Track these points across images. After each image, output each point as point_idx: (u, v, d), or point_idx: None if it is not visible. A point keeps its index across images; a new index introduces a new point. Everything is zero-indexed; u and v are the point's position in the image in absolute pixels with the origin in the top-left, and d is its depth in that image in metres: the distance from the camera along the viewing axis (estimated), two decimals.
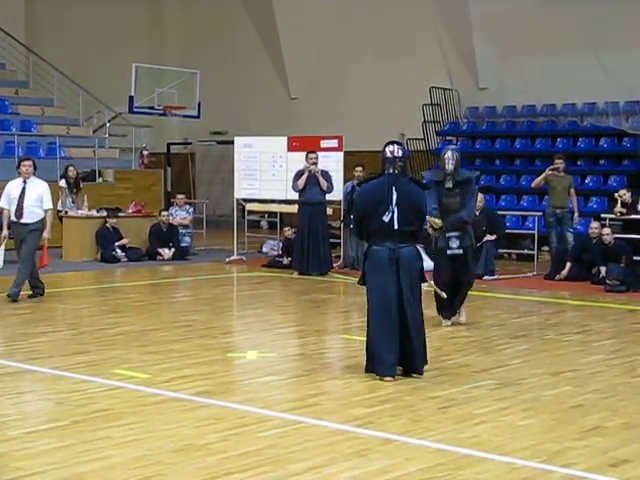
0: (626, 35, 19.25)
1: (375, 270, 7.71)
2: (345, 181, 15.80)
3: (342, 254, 15.91)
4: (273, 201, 17.23)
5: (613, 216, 15.12)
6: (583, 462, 5.57)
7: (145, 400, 6.93)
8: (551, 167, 15.38)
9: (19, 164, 11.94)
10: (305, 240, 14.78)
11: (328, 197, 15.22)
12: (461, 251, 9.96)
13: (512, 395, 7.19)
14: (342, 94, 23.90)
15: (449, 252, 9.93)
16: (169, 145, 26.46)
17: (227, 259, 16.77)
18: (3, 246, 12.10)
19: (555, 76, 20.14)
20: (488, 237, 14.67)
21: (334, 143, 16.00)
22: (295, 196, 15.20)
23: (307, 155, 15.01)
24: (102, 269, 15.63)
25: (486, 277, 14.18)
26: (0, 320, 10.53)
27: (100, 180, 20.23)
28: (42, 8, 24.78)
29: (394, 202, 7.63)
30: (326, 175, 14.96)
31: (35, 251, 11.84)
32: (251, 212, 19.74)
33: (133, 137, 21.97)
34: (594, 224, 14.26)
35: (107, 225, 16.68)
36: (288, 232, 16.20)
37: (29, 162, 11.85)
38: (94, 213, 17.06)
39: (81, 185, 17.77)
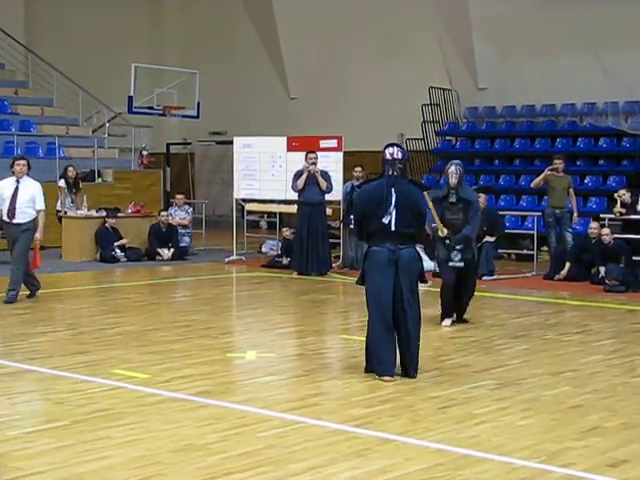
0: (626, 35, 19.26)
1: (374, 271, 7.73)
2: (344, 181, 15.81)
3: (341, 254, 15.92)
4: (272, 201, 17.24)
5: (612, 216, 15.13)
6: (582, 462, 5.57)
7: (145, 400, 6.93)
8: (550, 167, 15.39)
9: (13, 163, 11.78)
10: (304, 240, 14.78)
11: (327, 197, 15.22)
12: (462, 264, 10.05)
13: (512, 395, 7.19)
14: (342, 94, 23.91)
15: (451, 264, 10.08)
16: (168, 145, 26.46)
17: (226, 259, 16.77)
18: None
19: (555, 76, 20.14)
20: (488, 238, 14.67)
21: (333, 143, 16.01)
22: (294, 196, 15.20)
23: (306, 155, 15.02)
24: (101, 269, 15.63)
25: (485, 277, 14.18)
26: None
27: (99, 180, 20.24)
28: (41, 8, 24.79)
29: (393, 204, 7.66)
30: (325, 175, 14.96)
31: (28, 251, 11.73)
32: (250, 212, 19.75)
33: (132, 137, 21.98)
34: (593, 224, 14.26)
35: (106, 225, 16.67)
36: (286, 232, 16.21)
37: (23, 161, 11.75)
38: (93, 213, 17.06)
39: (80, 185, 17.77)
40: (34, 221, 11.62)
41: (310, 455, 5.64)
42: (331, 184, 15.00)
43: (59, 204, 17.24)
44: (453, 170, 10.09)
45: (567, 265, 14.32)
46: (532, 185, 16.10)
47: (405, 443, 5.91)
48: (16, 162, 11.72)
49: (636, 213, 14.90)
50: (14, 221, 11.52)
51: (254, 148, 16.66)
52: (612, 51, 19.40)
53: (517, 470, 5.44)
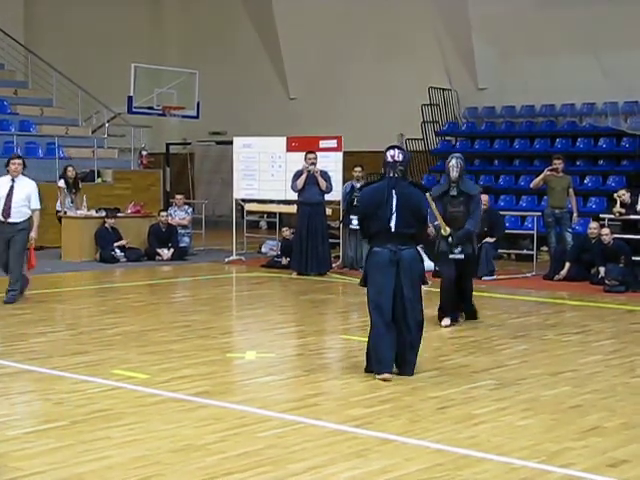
0: (626, 35, 19.25)
1: (376, 271, 7.79)
2: (344, 181, 15.81)
3: (341, 254, 15.92)
4: (272, 201, 17.25)
5: (612, 216, 15.13)
6: (582, 462, 5.57)
7: (144, 400, 6.93)
8: (550, 167, 15.38)
9: (8, 162, 11.69)
10: (304, 240, 14.78)
11: (327, 197, 15.23)
12: (462, 256, 10.06)
13: (511, 395, 7.19)
14: (341, 94, 23.91)
15: (451, 256, 10.08)
16: (168, 145, 26.45)
17: (226, 259, 16.77)
18: None
19: (554, 76, 20.14)
20: (488, 239, 14.67)
21: (333, 143, 16.01)
22: (294, 196, 15.20)
23: (306, 155, 15.01)
24: (101, 269, 15.63)
25: (485, 277, 14.18)
26: None
27: (99, 180, 20.24)
28: (41, 8, 24.78)
29: (394, 205, 7.72)
30: (325, 175, 14.96)
31: (25, 251, 11.69)
32: (250, 212, 19.74)
33: (132, 137, 21.98)
34: (593, 224, 14.26)
35: (106, 225, 16.66)
36: (286, 232, 16.20)
37: (19, 160, 11.70)
38: (93, 213, 17.05)
39: (80, 185, 17.76)
40: (29, 220, 11.59)
41: (310, 455, 5.64)
42: (331, 184, 15.00)
43: (59, 204, 17.24)
44: (454, 163, 10.13)
45: (567, 265, 14.32)
46: (532, 185, 16.10)
47: (405, 443, 5.91)
48: (11, 161, 11.63)
49: (636, 213, 14.90)
50: (9, 220, 11.45)
51: (254, 148, 16.67)
52: (612, 51, 19.40)
53: (517, 470, 5.44)
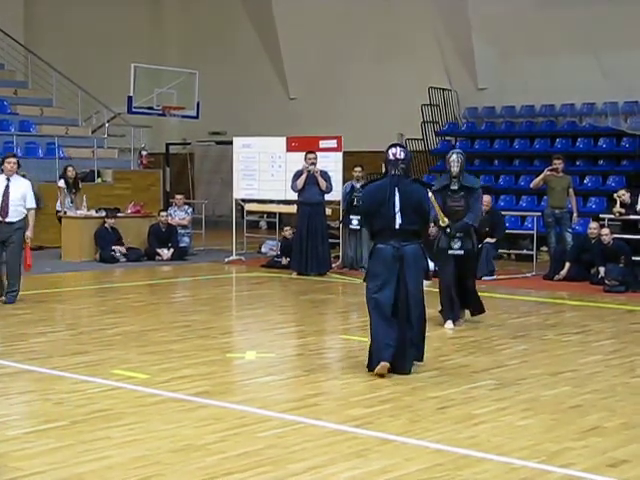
0: (626, 35, 19.25)
1: (379, 267, 7.87)
2: (344, 181, 15.81)
3: (341, 254, 15.91)
4: (272, 201, 17.25)
5: (612, 216, 15.13)
6: (582, 462, 5.57)
7: (144, 400, 6.93)
8: (550, 167, 15.38)
9: (3, 161, 11.63)
10: (304, 240, 14.78)
11: (327, 197, 15.23)
12: (462, 252, 10.06)
13: (511, 395, 7.19)
14: (341, 94, 23.91)
15: (450, 252, 10.07)
16: (168, 145, 26.45)
17: (226, 259, 16.77)
18: None
19: (554, 76, 20.14)
20: (488, 240, 14.68)
21: (333, 143, 16.00)
22: (294, 196, 15.20)
23: (306, 155, 15.01)
24: (101, 269, 15.62)
25: (485, 277, 14.18)
26: None
27: (99, 180, 20.24)
28: (41, 8, 24.78)
29: (397, 203, 7.78)
30: (325, 175, 14.96)
31: (22, 250, 11.69)
32: (250, 212, 19.75)
33: (132, 137, 21.99)
34: (593, 224, 14.26)
35: (106, 225, 16.66)
36: (287, 232, 16.17)
37: (14, 159, 11.65)
38: (93, 213, 17.05)
39: (80, 185, 17.75)
40: (25, 220, 11.55)
41: (310, 455, 5.64)
42: (331, 184, 15.00)
43: (59, 204, 17.24)
44: (455, 159, 10.14)
45: (567, 265, 14.32)
46: (532, 185, 16.10)
47: (404, 443, 5.91)
48: (6, 160, 11.58)
49: (635, 213, 14.91)
50: (7, 220, 11.40)
51: (254, 148, 16.67)
52: (612, 51, 19.40)
53: (517, 470, 5.44)
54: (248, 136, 17.73)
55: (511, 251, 17.68)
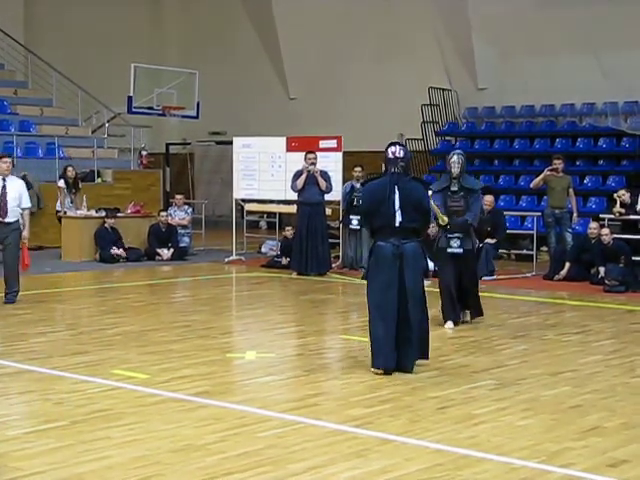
0: (626, 35, 19.25)
1: (379, 265, 7.92)
2: (344, 181, 15.81)
3: (341, 254, 15.92)
4: (272, 201, 17.25)
5: (612, 216, 15.13)
6: (582, 462, 5.57)
7: (144, 400, 6.93)
8: (550, 167, 15.38)
9: None
10: (304, 240, 14.78)
11: (327, 197, 15.23)
12: (461, 250, 10.07)
13: (511, 395, 7.19)
14: (341, 94, 23.91)
15: (449, 250, 10.08)
16: (168, 145, 26.46)
17: (226, 259, 16.77)
18: None
19: (554, 76, 20.14)
20: (489, 240, 14.68)
21: (333, 143, 16.01)
22: (294, 196, 15.20)
23: (306, 155, 15.01)
24: (101, 269, 15.62)
25: (485, 277, 14.17)
26: None
27: (99, 180, 20.24)
28: (41, 8, 24.78)
29: (397, 201, 7.82)
30: (325, 175, 14.96)
31: (19, 250, 11.66)
32: (250, 212, 19.75)
33: (132, 137, 21.99)
34: (593, 224, 14.26)
35: (106, 225, 16.65)
36: (289, 232, 16.15)
37: (9, 159, 11.59)
38: (93, 213, 17.04)
39: (80, 185, 17.75)
40: (20, 220, 11.55)
41: (310, 455, 5.64)
42: (331, 184, 15.00)
43: (59, 204, 17.23)
44: (455, 160, 10.15)
45: (567, 265, 14.32)
46: (532, 185, 16.10)
47: (404, 443, 5.91)
48: (1, 160, 11.53)
49: (635, 213, 14.90)
50: (6, 220, 11.38)
51: (253, 148, 16.67)
52: (612, 51, 19.40)
53: (517, 470, 5.44)
54: (248, 136, 17.73)
55: (511, 251, 17.67)
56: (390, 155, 8.03)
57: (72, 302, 12.29)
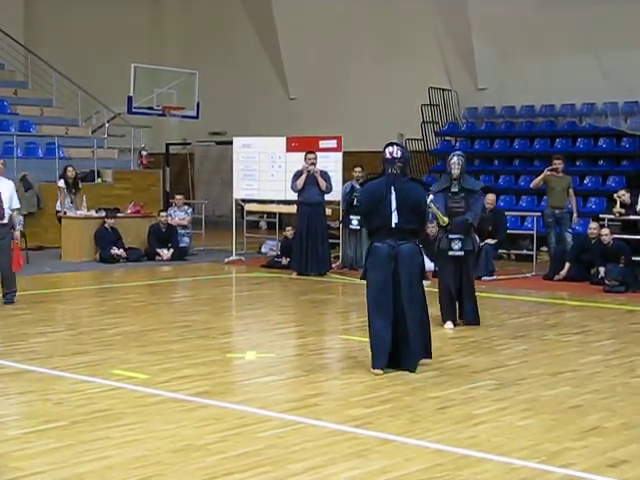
0: (626, 35, 19.25)
1: (375, 266, 7.93)
2: (344, 181, 15.81)
3: (341, 254, 15.92)
4: (272, 201, 17.25)
5: (612, 216, 15.13)
6: (582, 462, 5.57)
7: (144, 400, 6.93)
8: (550, 167, 15.37)
9: None
10: (304, 240, 14.78)
11: (327, 197, 15.23)
12: (462, 253, 10.07)
13: (511, 395, 7.19)
14: (341, 94, 23.91)
15: (450, 253, 10.08)
16: (168, 145, 26.45)
17: (226, 259, 16.77)
18: None
19: (554, 76, 20.14)
20: (489, 240, 14.68)
21: (333, 143, 16.01)
22: (294, 196, 15.20)
23: (306, 155, 15.01)
24: (101, 269, 15.62)
25: (485, 278, 14.18)
26: None
27: (99, 180, 20.24)
28: (41, 8, 24.78)
29: (394, 202, 7.81)
30: (325, 175, 14.96)
31: (12, 250, 11.64)
32: (250, 212, 19.75)
33: (132, 137, 21.98)
34: (593, 224, 14.26)
35: (106, 225, 16.64)
36: (289, 232, 16.13)
37: (1, 160, 11.62)
38: (93, 213, 17.04)
39: (80, 185, 17.73)
40: (11, 221, 11.55)
41: (310, 455, 5.65)
42: (331, 184, 15.00)
43: (58, 204, 17.22)
44: (455, 161, 10.15)
45: (567, 265, 14.31)
46: (532, 185, 16.09)
47: (404, 443, 5.91)
48: None
49: (635, 213, 14.90)
50: (3, 222, 11.36)
51: (253, 148, 16.67)
52: (612, 51, 19.40)
53: (517, 470, 5.44)
54: (248, 136, 17.73)
55: (511, 251, 17.67)
56: (387, 155, 8.01)
57: (72, 302, 12.29)
